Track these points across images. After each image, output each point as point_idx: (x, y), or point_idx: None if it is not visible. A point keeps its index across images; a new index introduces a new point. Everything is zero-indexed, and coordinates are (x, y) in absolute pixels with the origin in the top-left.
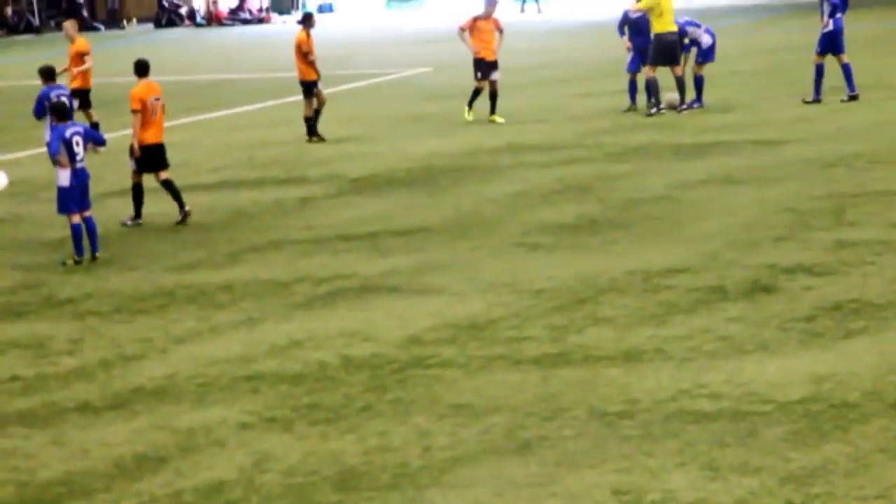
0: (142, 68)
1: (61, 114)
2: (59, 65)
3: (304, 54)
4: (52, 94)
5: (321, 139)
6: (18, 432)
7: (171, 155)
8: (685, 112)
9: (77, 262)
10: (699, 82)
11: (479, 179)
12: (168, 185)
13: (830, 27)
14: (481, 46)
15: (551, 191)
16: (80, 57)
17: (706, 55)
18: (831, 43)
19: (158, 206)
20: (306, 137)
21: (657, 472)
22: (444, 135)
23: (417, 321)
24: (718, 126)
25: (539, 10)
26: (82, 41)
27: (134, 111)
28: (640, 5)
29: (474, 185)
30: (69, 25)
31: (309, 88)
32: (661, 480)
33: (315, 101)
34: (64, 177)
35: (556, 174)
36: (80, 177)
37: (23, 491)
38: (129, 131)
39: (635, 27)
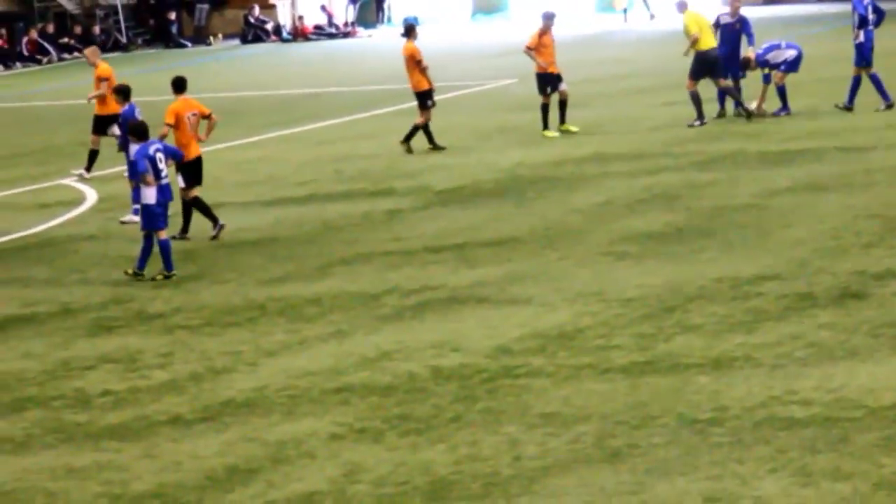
0: (179, 85)
1: (142, 133)
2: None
3: (418, 62)
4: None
5: (439, 148)
6: (111, 446)
7: (258, 169)
8: (754, 116)
9: (167, 277)
10: (782, 91)
11: (565, 189)
12: (196, 203)
13: (861, 39)
14: (548, 61)
15: (638, 200)
16: (100, 82)
17: (791, 66)
18: (861, 55)
19: (248, 220)
20: (428, 146)
21: (748, 479)
22: (529, 145)
23: (506, 331)
24: (805, 133)
25: (651, 17)
26: (104, 66)
27: (168, 125)
28: (692, 30)
29: (561, 194)
30: (89, 53)
31: (423, 98)
32: (752, 487)
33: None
34: (150, 194)
35: (642, 183)
36: (165, 193)
37: None
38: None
39: (725, 34)
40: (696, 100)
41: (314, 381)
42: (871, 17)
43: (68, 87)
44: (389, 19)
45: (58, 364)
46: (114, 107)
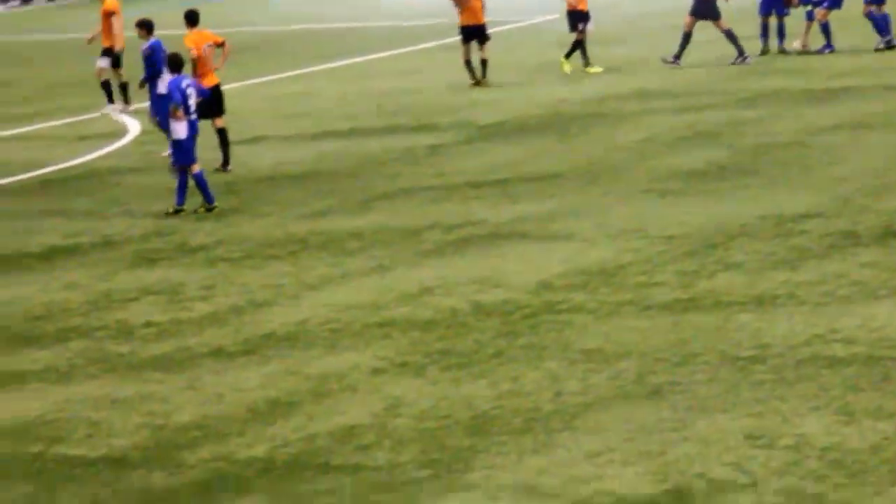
0: (192, 17)
1: (178, 65)
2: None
3: None
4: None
5: (483, 83)
6: (154, 377)
7: (301, 103)
8: (740, 63)
9: (209, 210)
10: (825, 28)
11: (608, 126)
12: (222, 134)
13: None
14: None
15: (680, 137)
16: (108, 17)
17: (834, 3)
18: None
19: (290, 154)
20: (471, 81)
21: (790, 417)
22: (572, 81)
23: (548, 267)
24: (849, 71)
25: None
26: (111, 1)
27: (192, 55)
28: None
29: (604, 131)
30: None
31: (470, 34)
32: (794, 425)
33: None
34: (181, 129)
35: (685, 120)
36: (194, 128)
37: (158, 434)
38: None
39: None
40: (732, 37)
41: (356, 315)
42: None
43: None
44: None
45: (101, 295)
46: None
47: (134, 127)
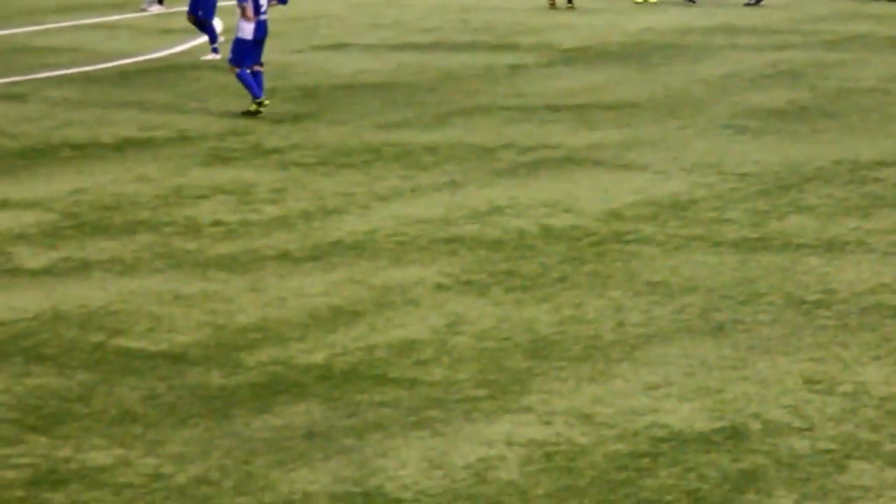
0: None
1: None
2: None
3: None
4: None
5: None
6: (218, 276)
7: (386, 13)
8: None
9: (259, 104)
10: None
11: (690, 58)
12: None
13: None
14: None
15: (763, 75)
16: None
17: None
18: None
19: (371, 63)
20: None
21: (850, 364)
22: (658, 11)
23: (619, 196)
24: None
25: None
26: None
27: None
28: None
29: (685, 63)
30: None
31: None
32: (854, 372)
33: None
34: (248, 29)
35: (769, 58)
36: (261, 30)
37: (220, 333)
38: None
39: None
40: None
41: (424, 229)
42: None
43: None
44: None
45: (171, 190)
46: None
47: (218, 25)
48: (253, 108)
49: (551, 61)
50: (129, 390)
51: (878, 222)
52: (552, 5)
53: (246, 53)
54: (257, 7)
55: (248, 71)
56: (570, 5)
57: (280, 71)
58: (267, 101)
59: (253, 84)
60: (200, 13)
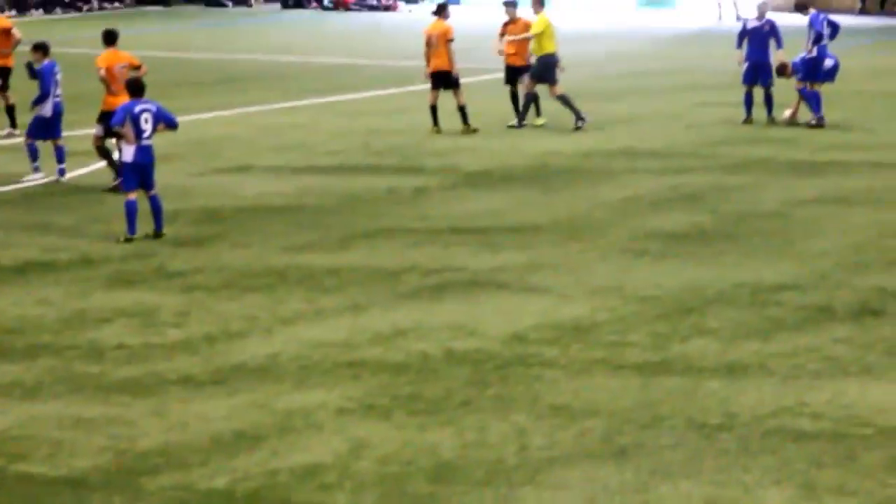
0: (109, 37)
1: (135, 90)
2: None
3: (449, 41)
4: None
5: (466, 131)
6: (120, 400)
7: (291, 136)
8: (580, 125)
9: (128, 241)
10: (817, 99)
11: (592, 181)
12: (102, 150)
13: (815, 54)
14: (508, 52)
15: (664, 198)
16: (4, 35)
17: (828, 76)
18: (814, 70)
19: (275, 185)
20: (434, 127)
21: (752, 488)
22: (561, 134)
23: (522, 319)
24: (837, 144)
25: (738, 17)
26: (2, 19)
27: (101, 76)
28: (533, 31)
29: (587, 186)
30: None
31: (448, 78)
32: (755, 496)
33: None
34: (128, 152)
35: (669, 182)
36: (144, 154)
37: (121, 459)
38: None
39: (754, 40)
40: (531, 99)
41: (327, 352)
42: (826, 31)
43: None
44: None
45: (74, 314)
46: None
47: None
48: (121, 239)
49: (455, 184)
50: None
51: (778, 345)
52: (438, 131)
53: (128, 177)
54: (139, 131)
55: (135, 195)
56: (469, 128)
57: (183, 194)
58: (133, 238)
59: (131, 217)
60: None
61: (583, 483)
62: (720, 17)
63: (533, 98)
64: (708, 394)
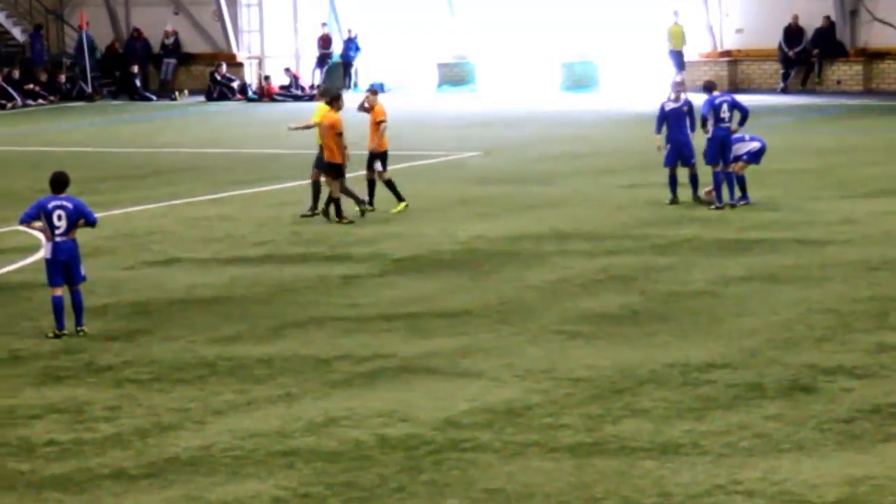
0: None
1: (56, 185)
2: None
3: (339, 134)
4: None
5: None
6: (53, 497)
7: (218, 227)
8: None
9: (56, 336)
10: (742, 180)
11: (521, 265)
12: None
13: (710, 135)
14: (370, 137)
15: (593, 280)
16: None
17: (753, 157)
18: (715, 151)
19: (203, 277)
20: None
21: None
22: (489, 219)
23: (455, 404)
24: (763, 223)
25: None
26: None
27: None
28: (314, 119)
29: (517, 270)
30: None
31: (340, 169)
32: None
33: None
34: (46, 249)
35: (599, 263)
36: (60, 251)
37: None
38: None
39: (673, 120)
40: (317, 189)
41: (260, 442)
42: (724, 115)
43: (31, 133)
44: (356, 85)
45: (3, 411)
46: None
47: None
48: (50, 334)
49: (384, 271)
50: None
51: (711, 424)
52: (341, 220)
53: (51, 273)
54: (52, 228)
55: (60, 291)
56: (340, 220)
57: (113, 287)
58: (62, 333)
59: (58, 312)
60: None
61: None
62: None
63: (318, 187)
64: (642, 474)
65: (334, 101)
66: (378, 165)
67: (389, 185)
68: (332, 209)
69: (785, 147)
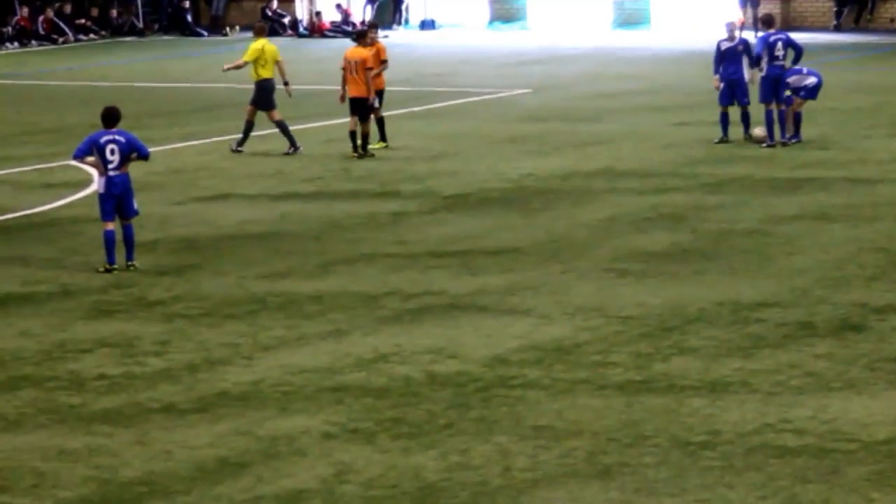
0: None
1: (108, 120)
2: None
3: (369, 69)
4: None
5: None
6: (103, 430)
7: (266, 164)
8: (291, 153)
9: (107, 271)
10: (798, 118)
11: (572, 203)
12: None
13: (764, 73)
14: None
15: (644, 218)
16: None
17: (810, 93)
18: (769, 90)
19: (253, 213)
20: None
21: None
22: (539, 156)
23: (504, 341)
24: (814, 162)
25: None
26: None
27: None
28: (245, 58)
29: (567, 208)
30: None
31: (354, 106)
32: None
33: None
34: (99, 183)
35: (649, 201)
36: (113, 185)
37: (105, 489)
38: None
39: (729, 59)
40: (283, 128)
41: (310, 378)
42: (779, 53)
43: (82, 69)
44: (407, 21)
45: (55, 345)
46: None
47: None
48: (101, 269)
49: (434, 208)
50: None
51: (760, 363)
52: (359, 155)
53: (103, 208)
54: (105, 162)
55: (112, 225)
56: (363, 153)
57: (162, 223)
58: (112, 268)
59: (110, 247)
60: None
61: (567, 503)
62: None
63: (251, 126)
64: (691, 412)
65: (361, 38)
66: (375, 102)
67: (380, 123)
68: (368, 145)
69: (837, 85)
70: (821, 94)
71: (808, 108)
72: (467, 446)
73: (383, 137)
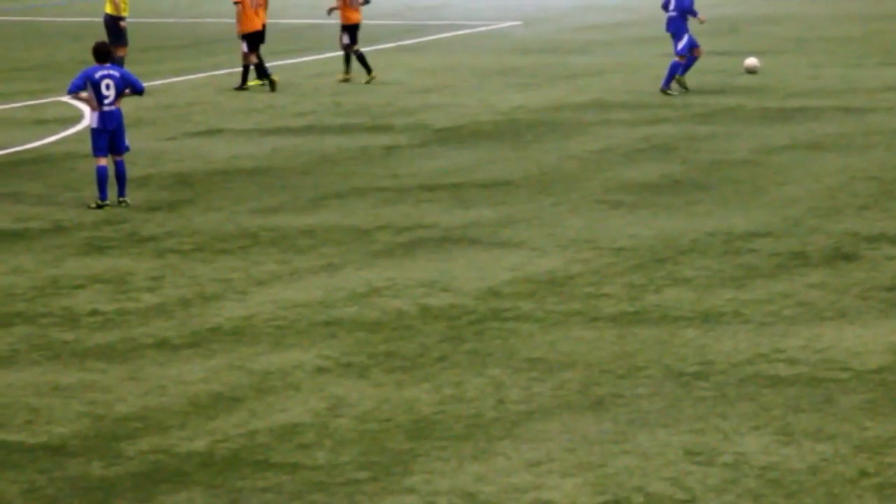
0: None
1: (100, 55)
2: None
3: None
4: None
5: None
6: (96, 366)
7: (258, 97)
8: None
9: (99, 206)
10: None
11: (563, 135)
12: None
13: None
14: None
15: (635, 149)
16: None
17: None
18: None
19: (245, 148)
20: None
21: (730, 435)
22: (530, 89)
23: (496, 274)
24: (806, 91)
25: None
26: None
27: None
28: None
29: (558, 140)
30: None
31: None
32: (733, 443)
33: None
34: (93, 118)
35: (640, 133)
36: (108, 120)
37: (99, 424)
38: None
39: None
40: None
41: (302, 312)
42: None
43: (71, 4)
44: None
45: (47, 281)
46: None
47: (90, 113)
48: (93, 205)
49: (425, 141)
50: (8, 484)
51: (753, 293)
52: (345, 79)
53: (96, 143)
54: (101, 97)
55: (105, 161)
56: (370, 76)
57: (154, 158)
58: (104, 204)
59: (102, 183)
60: None
61: (561, 435)
62: None
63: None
64: (684, 343)
65: None
66: (346, 39)
67: (352, 57)
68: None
69: (827, 14)
70: (811, 23)
71: (799, 37)
72: (461, 379)
73: (349, 70)
